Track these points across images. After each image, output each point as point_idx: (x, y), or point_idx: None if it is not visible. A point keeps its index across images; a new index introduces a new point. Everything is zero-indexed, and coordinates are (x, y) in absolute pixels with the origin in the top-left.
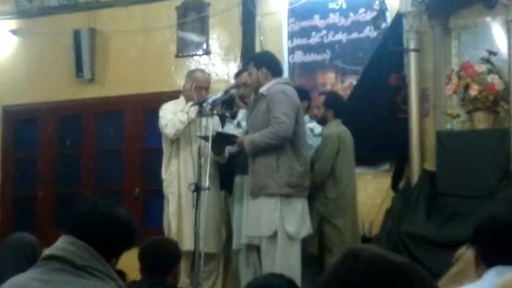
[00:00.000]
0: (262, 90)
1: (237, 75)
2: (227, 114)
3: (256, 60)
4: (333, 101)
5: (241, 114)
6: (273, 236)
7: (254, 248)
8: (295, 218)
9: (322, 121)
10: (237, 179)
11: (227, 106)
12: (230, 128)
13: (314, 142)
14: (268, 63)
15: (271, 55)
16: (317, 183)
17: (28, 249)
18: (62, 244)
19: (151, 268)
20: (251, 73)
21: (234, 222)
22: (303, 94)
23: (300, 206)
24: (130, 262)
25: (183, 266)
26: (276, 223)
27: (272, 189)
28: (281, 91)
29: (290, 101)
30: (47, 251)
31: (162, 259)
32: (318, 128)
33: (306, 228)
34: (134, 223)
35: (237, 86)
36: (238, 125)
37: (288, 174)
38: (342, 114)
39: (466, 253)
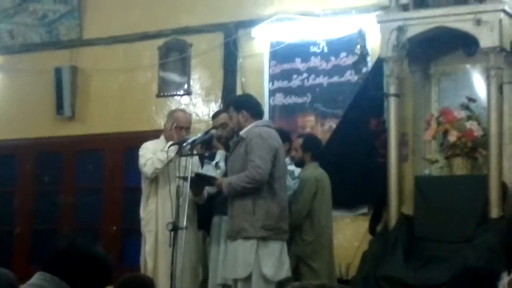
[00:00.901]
0: (242, 133)
1: (215, 116)
2: (206, 154)
3: (236, 104)
4: (310, 143)
5: (219, 155)
6: (248, 278)
7: None
8: (272, 261)
9: (300, 164)
10: (215, 219)
11: (207, 146)
12: (208, 169)
13: (292, 184)
14: (248, 106)
15: (250, 97)
16: (294, 225)
17: (5, 284)
18: (37, 281)
19: None
20: (231, 117)
21: (210, 262)
22: (285, 136)
23: (277, 248)
24: None
25: None
26: (251, 265)
27: (248, 232)
28: (258, 135)
29: (267, 144)
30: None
31: None
32: (298, 171)
33: (284, 271)
34: (110, 261)
35: (214, 127)
36: (217, 166)
37: (264, 218)
38: (319, 157)
39: None
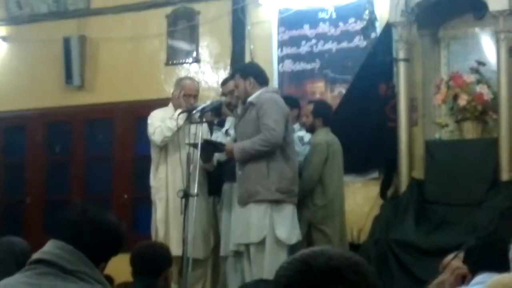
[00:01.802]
0: (251, 98)
1: (223, 83)
2: (215, 121)
3: (242, 71)
4: (321, 109)
5: (229, 122)
6: (262, 243)
7: (242, 255)
8: (286, 224)
9: (311, 130)
10: (226, 186)
11: (216, 113)
12: (218, 136)
13: (302, 149)
14: (254, 73)
15: (256, 65)
16: (306, 190)
17: (19, 253)
18: (50, 248)
19: (142, 271)
20: (238, 84)
21: (222, 229)
22: (293, 102)
23: (290, 211)
24: (118, 267)
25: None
26: (265, 229)
27: (262, 195)
28: (270, 99)
29: (280, 108)
30: (35, 255)
31: (153, 262)
32: (307, 137)
33: (296, 234)
34: (122, 228)
35: (223, 94)
36: (226, 133)
37: (279, 180)
38: (330, 123)
39: (452, 262)
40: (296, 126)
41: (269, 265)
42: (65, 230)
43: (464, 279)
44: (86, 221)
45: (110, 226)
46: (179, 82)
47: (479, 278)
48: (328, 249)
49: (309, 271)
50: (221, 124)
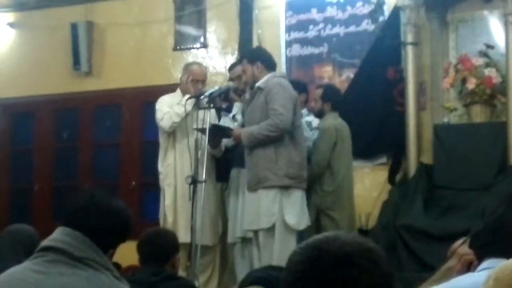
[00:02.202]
0: (259, 84)
1: (231, 68)
2: (224, 106)
3: (249, 56)
4: (330, 94)
5: (236, 107)
6: (271, 228)
7: (249, 241)
8: (295, 210)
9: (319, 114)
10: (233, 172)
11: (224, 98)
12: (225, 122)
13: (310, 135)
14: (262, 58)
15: (263, 49)
16: (314, 175)
17: (27, 240)
18: (58, 236)
19: (149, 258)
20: (245, 69)
21: (229, 216)
22: (301, 87)
23: (299, 197)
24: (126, 254)
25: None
26: (275, 215)
27: (271, 181)
28: (278, 84)
29: (288, 93)
30: (43, 243)
31: (160, 249)
32: (316, 122)
33: (305, 220)
34: (130, 214)
35: (231, 79)
36: (234, 118)
37: (287, 166)
38: (339, 107)
39: (460, 249)
40: (304, 111)
41: (278, 251)
42: (73, 217)
43: (470, 265)
44: (93, 207)
45: (117, 211)
46: (187, 67)
47: (485, 263)
48: (341, 235)
49: (322, 256)
50: (228, 110)
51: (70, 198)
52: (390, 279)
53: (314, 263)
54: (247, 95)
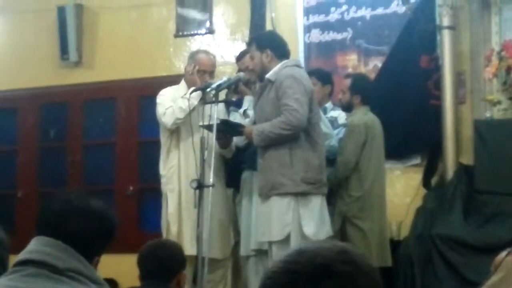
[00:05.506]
0: (269, 75)
1: (239, 58)
2: (233, 99)
3: (259, 41)
4: (360, 84)
5: (247, 101)
6: (285, 240)
7: (265, 254)
8: (314, 218)
9: (347, 108)
10: (246, 174)
11: (234, 91)
12: (235, 118)
13: (334, 132)
14: (273, 44)
15: (276, 34)
16: (340, 179)
17: None
18: (36, 247)
19: (151, 275)
20: (253, 56)
21: (242, 225)
22: (326, 77)
23: (318, 204)
24: (124, 270)
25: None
26: (289, 225)
27: (286, 187)
28: (290, 76)
29: (301, 85)
30: (20, 256)
31: (164, 264)
32: (342, 117)
33: (325, 229)
34: (112, 214)
35: (240, 70)
36: (245, 113)
37: (304, 169)
38: (370, 101)
39: (507, 259)
40: (329, 105)
41: None
42: (49, 224)
43: None
44: (70, 210)
45: (97, 211)
46: (193, 56)
47: None
48: (305, 246)
49: (296, 279)
50: (238, 104)
51: (44, 204)
52: (376, 275)
53: (288, 282)
54: (257, 87)
